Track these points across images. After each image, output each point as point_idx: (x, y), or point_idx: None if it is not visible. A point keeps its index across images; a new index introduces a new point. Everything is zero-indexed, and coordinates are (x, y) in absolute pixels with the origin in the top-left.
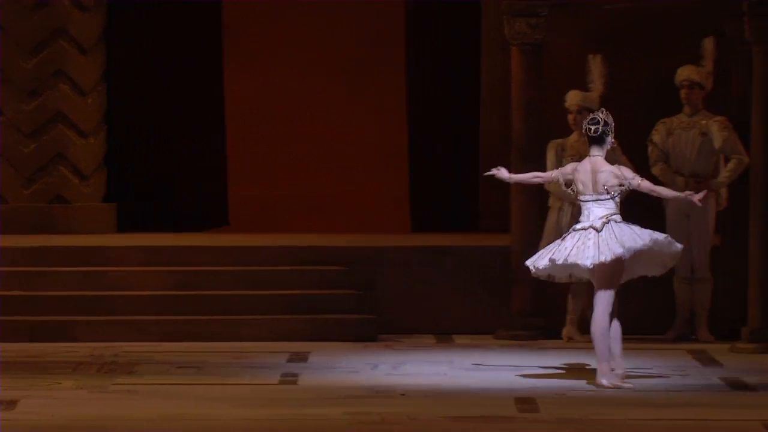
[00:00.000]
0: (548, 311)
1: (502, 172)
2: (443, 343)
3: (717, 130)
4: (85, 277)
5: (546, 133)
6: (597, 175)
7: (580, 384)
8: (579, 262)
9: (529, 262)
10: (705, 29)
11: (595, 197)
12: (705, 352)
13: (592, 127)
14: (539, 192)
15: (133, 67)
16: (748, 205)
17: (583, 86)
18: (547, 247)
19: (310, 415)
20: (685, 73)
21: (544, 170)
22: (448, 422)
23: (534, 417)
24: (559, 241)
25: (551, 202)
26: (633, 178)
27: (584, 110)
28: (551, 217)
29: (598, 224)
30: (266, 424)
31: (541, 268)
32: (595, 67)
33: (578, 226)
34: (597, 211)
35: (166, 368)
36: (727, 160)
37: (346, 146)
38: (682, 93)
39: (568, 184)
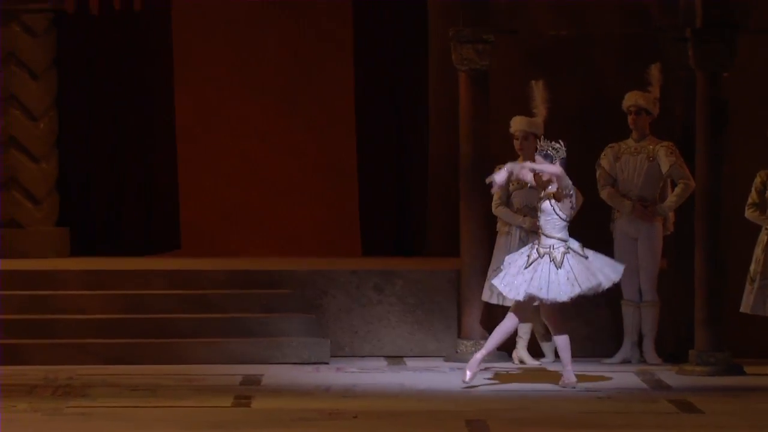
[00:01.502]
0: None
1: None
2: (394, 365)
3: (664, 155)
4: (35, 301)
5: (493, 158)
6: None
7: (531, 405)
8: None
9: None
10: (647, 55)
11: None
12: (653, 374)
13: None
14: (488, 216)
15: (84, 92)
16: (693, 228)
17: (526, 111)
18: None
19: None
20: (632, 98)
21: (491, 194)
22: None
23: None
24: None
25: (499, 226)
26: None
27: (529, 135)
28: (500, 241)
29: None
30: None
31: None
32: (538, 92)
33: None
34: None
35: (119, 391)
36: (673, 184)
37: (297, 170)
38: (630, 118)
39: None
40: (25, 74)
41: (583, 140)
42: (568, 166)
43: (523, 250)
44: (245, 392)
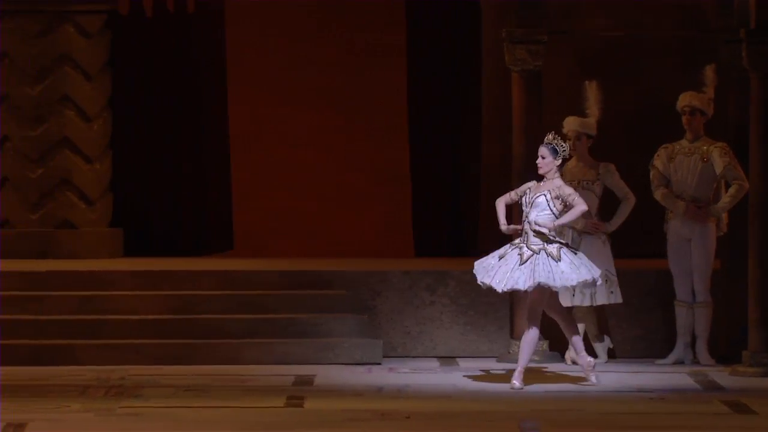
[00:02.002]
0: (550, 335)
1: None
2: (447, 366)
3: (718, 155)
4: (88, 301)
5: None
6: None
7: (584, 406)
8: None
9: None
10: (701, 56)
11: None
12: (706, 375)
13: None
14: None
15: (138, 93)
16: (747, 229)
17: (579, 112)
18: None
19: None
20: (686, 99)
21: None
22: None
23: None
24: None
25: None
26: None
27: (582, 135)
28: None
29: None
30: None
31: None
32: (591, 93)
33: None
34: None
35: (172, 391)
36: (727, 185)
37: (350, 172)
38: (684, 119)
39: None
40: (80, 75)
41: (636, 141)
42: (618, 167)
43: (507, 248)
44: (298, 393)
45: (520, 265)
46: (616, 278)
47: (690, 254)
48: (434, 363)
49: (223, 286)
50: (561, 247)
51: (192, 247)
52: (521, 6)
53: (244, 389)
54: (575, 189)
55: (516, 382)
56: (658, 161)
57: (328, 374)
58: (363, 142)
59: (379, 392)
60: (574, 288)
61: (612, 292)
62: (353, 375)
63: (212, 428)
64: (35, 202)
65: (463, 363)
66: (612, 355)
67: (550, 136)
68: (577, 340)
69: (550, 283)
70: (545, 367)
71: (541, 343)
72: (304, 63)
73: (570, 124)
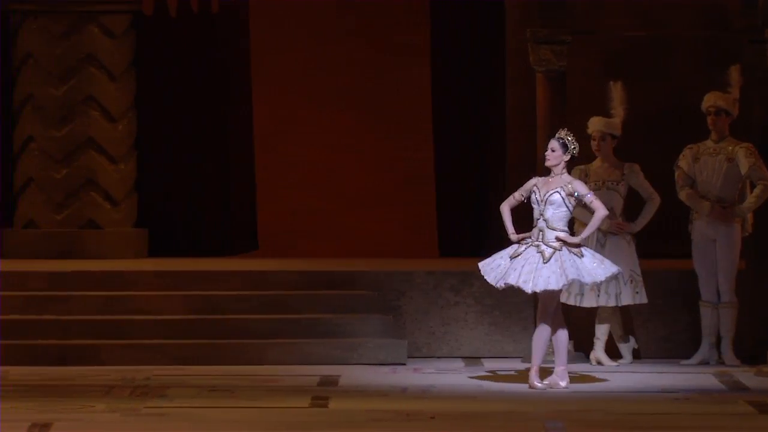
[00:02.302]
0: (575, 335)
1: (512, 237)
2: (472, 366)
3: (743, 156)
4: (113, 302)
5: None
6: None
7: (609, 407)
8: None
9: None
10: (725, 56)
11: None
12: (731, 375)
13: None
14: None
15: (162, 94)
16: None
17: (603, 112)
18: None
19: None
20: (711, 99)
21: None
22: None
23: None
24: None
25: (576, 227)
26: None
27: (607, 136)
28: None
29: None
30: None
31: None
32: (616, 93)
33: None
34: None
35: (197, 392)
36: (752, 185)
37: (374, 173)
38: (709, 119)
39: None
40: (104, 76)
41: (661, 142)
42: (643, 167)
43: (517, 248)
44: (322, 393)
45: (544, 263)
46: (641, 278)
47: (715, 254)
48: (459, 363)
49: (248, 286)
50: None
51: (216, 247)
52: (546, 6)
53: (268, 389)
54: (600, 189)
55: (536, 382)
56: (683, 162)
57: (352, 374)
58: (388, 143)
59: (403, 393)
60: (599, 288)
61: (637, 293)
62: (378, 375)
63: (237, 428)
64: (60, 203)
65: (487, 363)
66: (637, 355)
67: (563, 132)
68: (563, 342)
69: (581, 279)
70: (570, 368)
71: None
72: (328, 63)
73: (595, 124)
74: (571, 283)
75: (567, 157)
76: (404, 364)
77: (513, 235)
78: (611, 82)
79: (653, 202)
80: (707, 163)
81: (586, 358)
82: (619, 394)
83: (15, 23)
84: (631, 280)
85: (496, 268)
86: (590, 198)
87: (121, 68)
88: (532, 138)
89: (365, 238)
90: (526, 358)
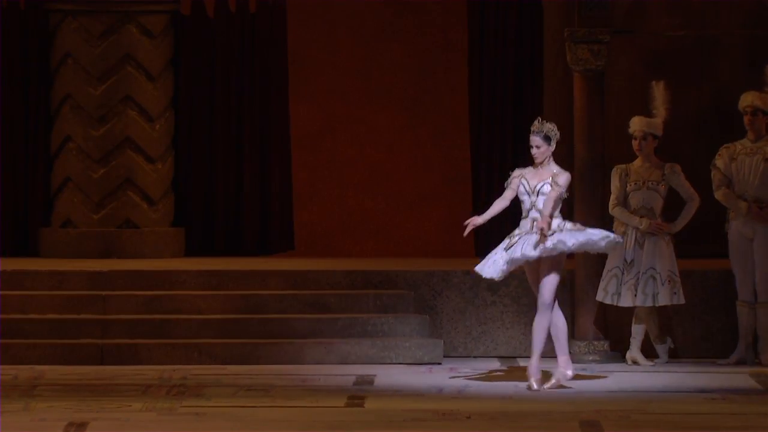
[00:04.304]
0: (612, 335)
1: (475, 220)
2: (508, 366)
3: None
4: (151, 301)
5: (608, 159)
6: None
7: (645, 407)
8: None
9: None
10: (765, 55)
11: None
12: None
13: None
14: (604, 217)
15: (200, 93)
16: None
17: (642, 112)
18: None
19: None
20: (748, 99)
21: (607, 195)
22: None
23: None
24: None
25: (615, 226)
26: None
27: (648, 135)
28: None
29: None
30: None
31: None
32: (658, 93)
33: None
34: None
35: (233, 391)
36: None
37: (410, 171)
38: (746, 119)
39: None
40: (142, 76)
41: (702, 141)
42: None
43: (509, 241)
44: (358, 392)
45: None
46: (679, 279)
47: (752, 254)
48: (495, 363)
49: (286, 286)
50: (565, 223)
51: (253, 246)
52: (583, 5)
53: (305, 389)
54: (640, 189)
55: (533, 382)
56: (720, 161)
57: (389, 374)
58: (426, 142)
59: (440, 392)
60: (636, 288)
61: (675, 293)
62: (414, 375)
63: (273, 428)
64: (98, 202)
65: (524, 363)
66: (673, 355)
67: (537, 123)
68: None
69: (590, 239)
70: (606, 367)
71: (602, 342)
72: (365, 62)
73: (636, 124)
74: (583, 244)
75: (553, 147)
76: (440, 364)
77: (477, 218)
78: (653, 82)
79: (693, 202)
80: (744, 162)
81: (622, 358)
82: (655, 394)
83: (54, 23)
84: (669, 281)
85: (494, 264)
86: (555, 195)
87: (159, 68)
88: (570, 138)
89: (403, 238)
90: None
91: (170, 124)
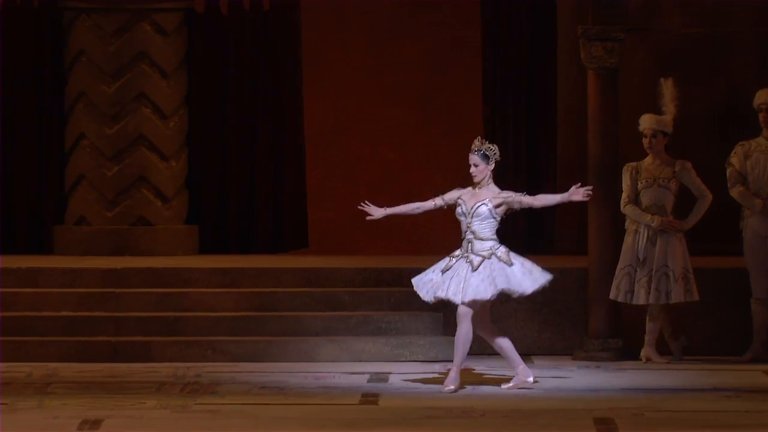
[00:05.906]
0: (625, 333)
1: (371, 209)
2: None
3: None
4: (164, 299)
5: (622, 156)
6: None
7: (659, 404)
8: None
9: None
10: None
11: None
12: None
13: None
14: (616, 215)
15: (214, 91)
16: None
17: (655, 109)
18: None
19: None
20: (763, 96)
21: (619, 193)
22: None
23: None
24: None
25: (627, 224)
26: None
27: (658, 133)
28: (628, 240)
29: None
30: None
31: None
32: (667, 90)
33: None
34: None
35: (247, 388)
36: None
37: (423, 169)
38: (761, 116)
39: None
40: (156, 73)
41: (716, 139)
42: (702, 166)
43: (448, 261)
44: (372, 390)
45: (473, 272)
46: (692, 276)
47: (766, 251)
48: None
49: (299, 284)
50: (508, 251)
51: (266, 244)
52: (598, 3)
53: (319, 387)
54: (651, 187)
55: (451, 384)
56: (735, 159)
57: (402, 372)
58: (439, 140)
59: (454, 390)
60: (650, 285)
61: (689, 290)
62: (428, 372)
63: (287, 425)
64: (111, 200)
65: (537, 361)
66: (687, 352)
67: (477, 143)
68: (509, 348)
69: (510, 288)
70: (622, 365)
71: (616, 341)
72: (379, 60)
73: (646, 121)
74: (499, 294)
75: (492, 166)
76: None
77: (377, 209)
78: (662, 79)
79: (705, 199)
80: (759, 160)
81: (636, 356)
82: (669, 392)
83: (68, 21)
84: (683, 278)
85: (428, 283)
86: (518, 196)
87: (172, 65)
88: (584, 135)
89: (417, 236)
90: (577, 355)
91: (184, 121)
